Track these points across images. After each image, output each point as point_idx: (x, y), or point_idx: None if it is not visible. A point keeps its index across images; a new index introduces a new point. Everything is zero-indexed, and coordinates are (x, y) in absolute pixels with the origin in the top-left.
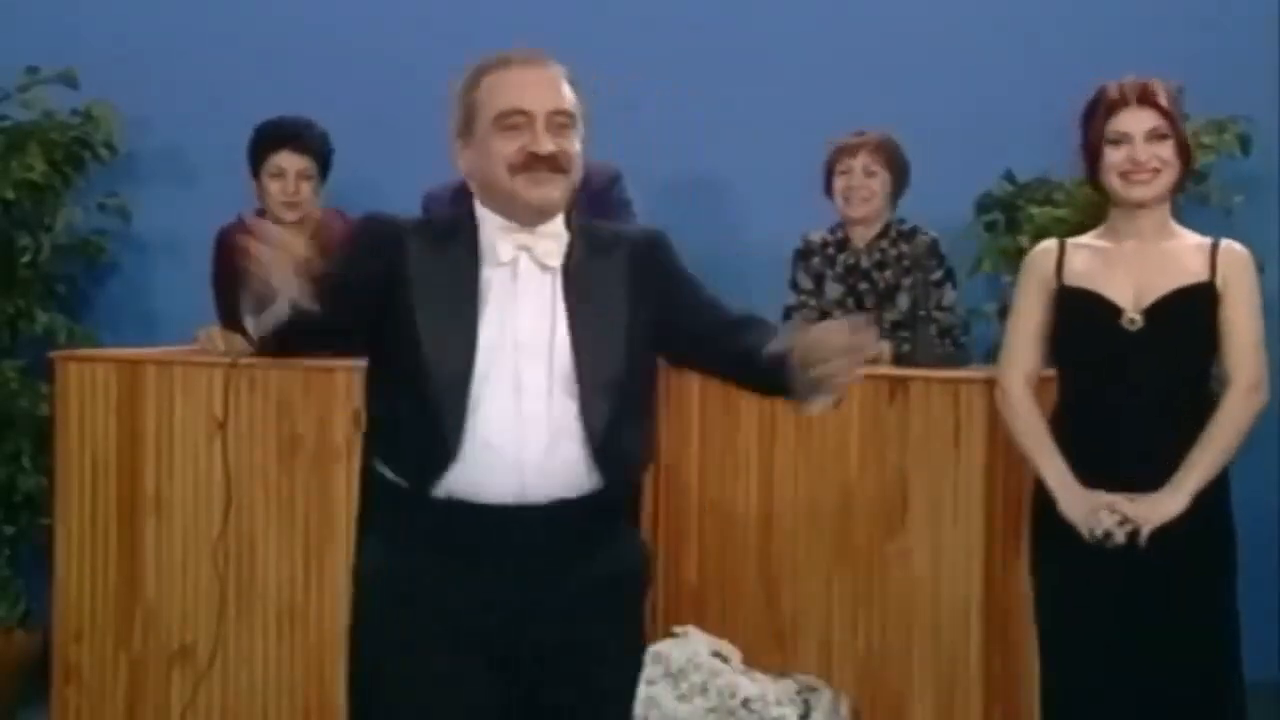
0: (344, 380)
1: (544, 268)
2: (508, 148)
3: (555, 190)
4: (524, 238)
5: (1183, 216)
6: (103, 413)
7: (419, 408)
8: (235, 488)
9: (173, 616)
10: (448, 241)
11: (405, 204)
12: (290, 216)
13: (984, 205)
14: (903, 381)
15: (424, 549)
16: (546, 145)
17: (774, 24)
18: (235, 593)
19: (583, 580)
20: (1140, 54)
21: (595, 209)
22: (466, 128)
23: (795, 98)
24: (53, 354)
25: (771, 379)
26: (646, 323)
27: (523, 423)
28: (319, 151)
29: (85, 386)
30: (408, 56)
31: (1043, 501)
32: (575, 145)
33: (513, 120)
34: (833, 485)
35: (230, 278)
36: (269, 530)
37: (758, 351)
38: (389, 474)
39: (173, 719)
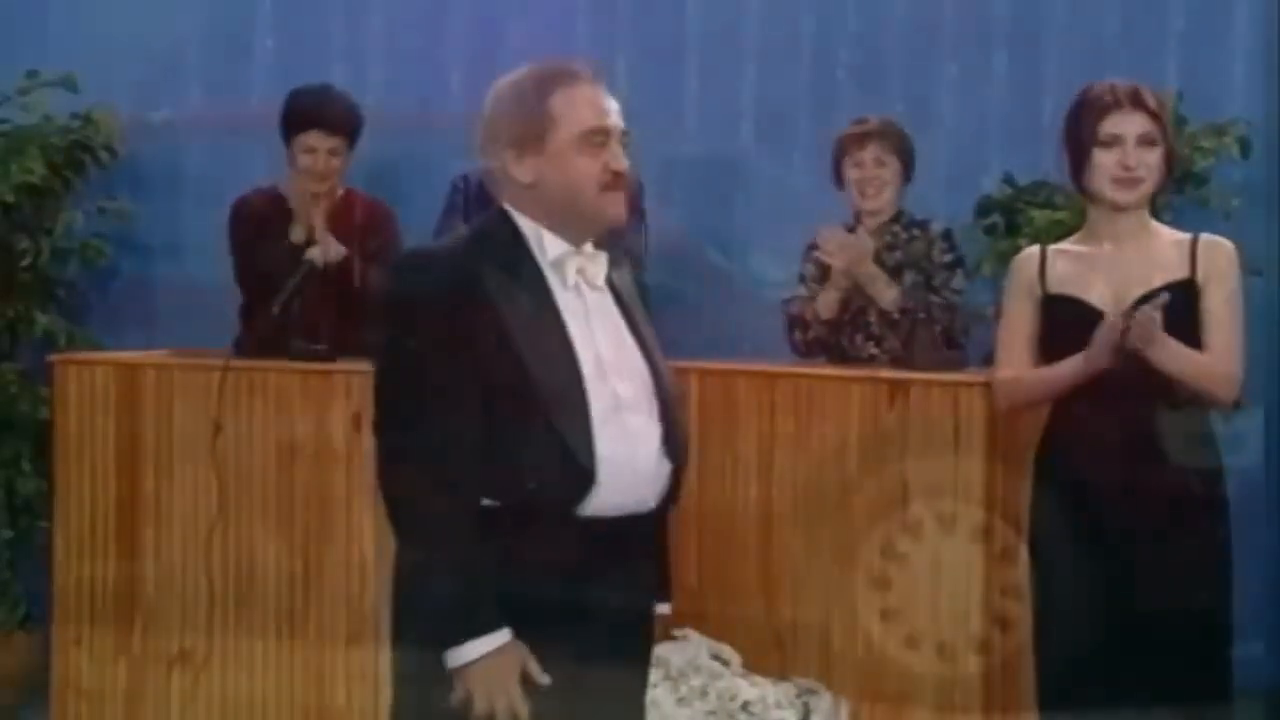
0: (342, 382)
1: (594, 286)
2: (594, 166)
3: (625, 207)
4: (581, 260)
5: (1182, 220)
6: (102, 416)
7: (540, 435)
8: (234, 491)
9: (172, 619)
10: (503, 261)
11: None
12: (319, 189)
13: (984, 208)
14: (902, 384)
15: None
16: (623, 162)
17: (776, 25)
18: (234, 596)
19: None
20: (1139, 58)
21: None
22: (534, 139)
23: (796, 98)
24: (52, 357)
25: None
26: None
27: (631, 439)
28: (347, 129)
29: (84, 390)
30: (410, 58)
31: (1044, 468)
32: None
33: (598, 139)
34: (832, 488)
35: (249, 245)
36: (268, 533)
37: None
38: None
39: None
